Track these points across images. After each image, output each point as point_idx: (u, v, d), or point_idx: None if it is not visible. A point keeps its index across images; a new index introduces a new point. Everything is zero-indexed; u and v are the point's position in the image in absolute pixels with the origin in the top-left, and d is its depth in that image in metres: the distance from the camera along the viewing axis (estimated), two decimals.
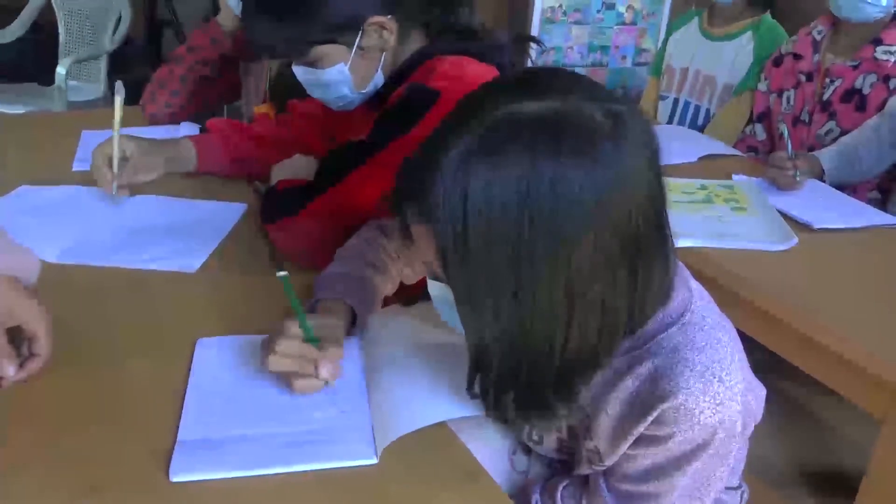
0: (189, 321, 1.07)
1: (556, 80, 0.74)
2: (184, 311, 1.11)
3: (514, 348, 0.74)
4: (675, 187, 1.65)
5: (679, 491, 0.84)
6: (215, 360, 0.98)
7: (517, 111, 0.69)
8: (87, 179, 1.47)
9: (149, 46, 4.70)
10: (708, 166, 1.84)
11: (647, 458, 0.84)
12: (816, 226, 1.52)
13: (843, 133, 2.02)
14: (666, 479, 0.84)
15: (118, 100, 1.36)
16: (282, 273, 0.93)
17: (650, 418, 0.79)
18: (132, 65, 4.44)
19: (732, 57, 2.36)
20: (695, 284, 0.87)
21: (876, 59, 1.99)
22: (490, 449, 1.09)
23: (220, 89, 1.95)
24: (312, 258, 1.21)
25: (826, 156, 1.88)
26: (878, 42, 2.00)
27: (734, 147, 2.19)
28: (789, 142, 1.72)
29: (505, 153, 0.68)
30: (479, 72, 1.21)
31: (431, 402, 0.87)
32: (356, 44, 1.21)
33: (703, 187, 1.68)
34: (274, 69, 1.94)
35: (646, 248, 0.73)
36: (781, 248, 1.43)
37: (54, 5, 3.57)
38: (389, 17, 1.21)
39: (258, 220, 1.35)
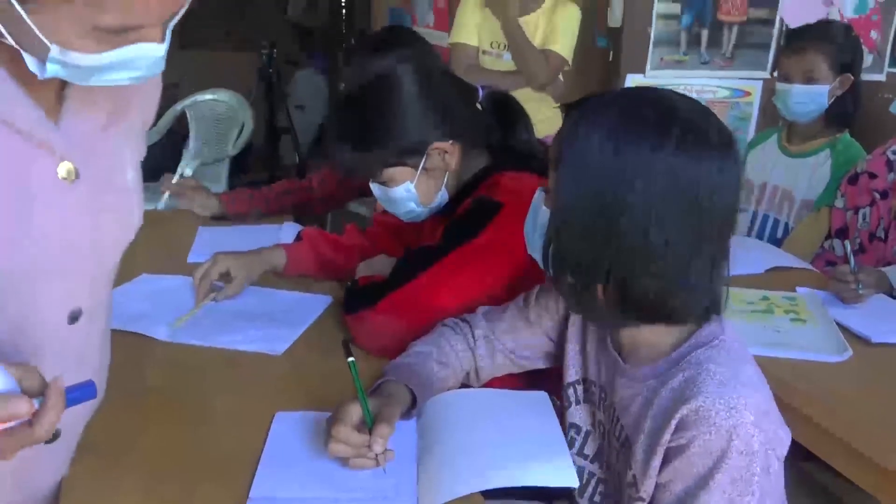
0: (271, 397, 1.22)
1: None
2: (267, 388, 1.26)
3: (584, 245, 0.95)
4: (736, 297, 1.72)
5: None
6: (290, 432, 1.12)
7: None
8: None
9: (267, 151, 5.12)
10: (774, 278, 1.89)
11: (677, 482, 0.93)
12: (875, 340, 1.55)
13: None
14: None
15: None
16: (350, 359, 1.08)
17: (674, 423, 0.92)
18: (251, 168, 4.85)
19: (810, 173, 2.41)
20: (731, 326, 1.00)
21: None
22: None
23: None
24: (385, 349, 1.35)
25: None
26: None
27: (813, 262, 2.22)
28: (851, 256, 1.76)
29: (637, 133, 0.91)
30: (537, 185, 1.35)
31: (474, 473, 0.98)
32: (421, 166, 1.37)
33: (766, 298, 1.73)
34: None
35: (710, 245, 0.93)
36: (835, 360, 1.46)
37: (188, 114, 4.00)
38: (451, 142, 1.37)
39: (341, 312, 1.51)
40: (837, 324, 1.60)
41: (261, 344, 1.38)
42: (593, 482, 1.13)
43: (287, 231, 1.92)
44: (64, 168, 0.80)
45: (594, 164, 0.92)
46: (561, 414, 1.17)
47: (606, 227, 0.91)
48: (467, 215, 1.36)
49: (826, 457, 1.34)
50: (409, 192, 1.39)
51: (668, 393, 0.95)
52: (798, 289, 1.79)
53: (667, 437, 0.93)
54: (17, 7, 0.66)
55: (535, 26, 2.79)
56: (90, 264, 0.88)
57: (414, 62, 1.38)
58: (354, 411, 1.03)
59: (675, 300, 0.94)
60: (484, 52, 2.89)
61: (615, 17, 2.98)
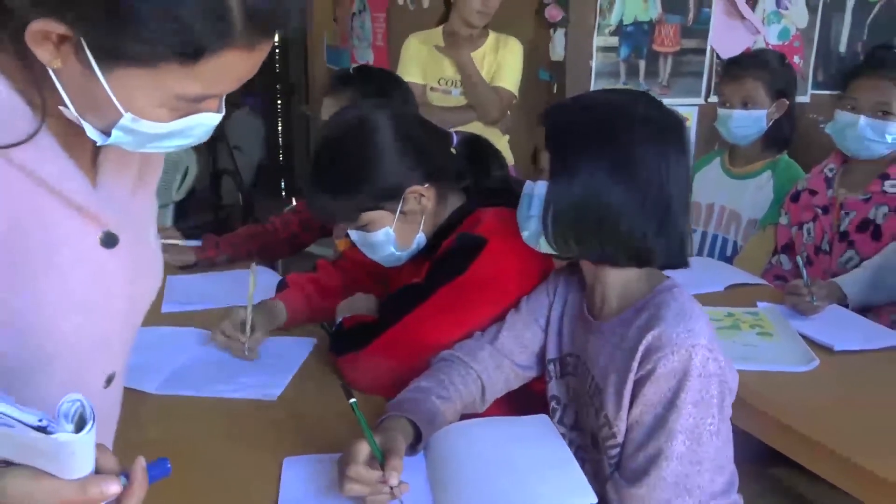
0: (273, 442, 1.23)
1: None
2: (268, 434, 1.27)
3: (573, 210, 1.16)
4: None
5: (678, 441, 1.06)
6: (301, 477, 1.12)
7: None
8: (176, 321, 1.68)
9: (209, 193, 5.08)
10: (734, 295, 1.98)
11: (647, 413, 1.08)
12: (837, 348, 1.64)
13: (863, 260, 2.15)
14: (665, 426, 1.07)
15: (254, 277, 1.55)
16: (352, 400, 1.09)
17: (640, 351, 1.08)
18: (195, 211, 4.79)
19: (754, 193, 2.53)
20: (688, 294, 1.19)
21: (885, 192, 2.15)
22: None
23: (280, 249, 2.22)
24: (377, 388, 1.37)
25: (849, 280, 1.99)
26: (885, 177, 2.16)
27: (763, 277, 2.32)
28: (804, 270, 1.86)
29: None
30: (517, 220, 1.40)
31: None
32: (398, 209, 1.39)
33: (730, 314, 1.81)
34: None
35: (668, 210, 1.14)
36: (804, 369, 1.54)
37: None
38: (427, 185, 1.40)
39: (326, 353, 1.52)
40: (800, 335, 1.69)
41: (254, 391, 1.39)
42: (573, 449, 1.23)
43: (265, 276, 1.92)
44: (104, 234, 0.80)
45: (573, 159, 1.15)
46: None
47: (587, 205, 1.14)
48: (452, 252, 1.39)
49: (807, 462, 1.40)
50: (388, 236, 1.41)
51: (633, 332, 1.13)
52: (759, 304, 1.88)
53: (634, 366, 1.09)
54: (98, 74, 0.67)
55: (480, 63, 2.87)
56: (127, 328, 0.88)
57: (388, 109, 1.42)
58: (363, 449, 1.05)
59: (647, 243, 1.14)
60: (432, 88, 2.95)
61: (557, 51, 3.08)
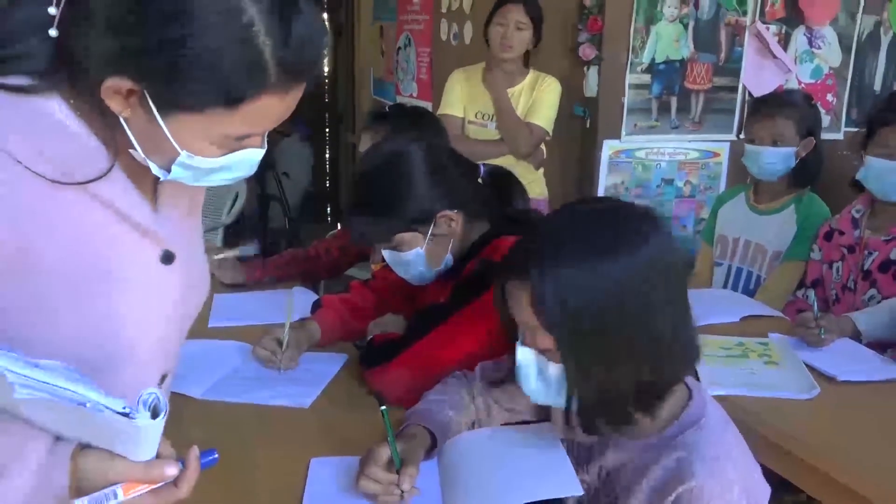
0: (303, 446, 1.36)
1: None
2: (299, 439, 1.40)
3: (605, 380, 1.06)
4: (713, 344, 1.88)
5: None
6: (326, 476, 1.25)
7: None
8: (221, 334, 1.83)
9: (257, 217, 5.28)
10: (748, 326, 2.05)
11: None
12: (840, 378, 1.71)
13: (885, 299, 2.20)
14: None
15: (291, 300, 1.69)
16: (382, 407, 1.22)
17: (670, 499, 1.05)
18: (243, 235, 4.99)
19: (778, 229, 2.59)
20: (710, 400, 1.15)
21: None
22: None
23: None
24: (401, 398, 1.49)
25: (864, 317, 2.05)
26: None
27: (785, 309, 2.39)
28: (815, 304, 1.94)
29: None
30: None
31: (494, 500, 1.13)
32: (429, 232, 1.53)
33: (741, 344, 1.89)
34: None
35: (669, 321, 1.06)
36: (804, 397, 1.62)
37: None
38: (456, 211, 1.54)
39: (357, 368, 1.65)
40: (806, 365, 1.77)
41: (289, 399, 1.52)
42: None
43: (298, 295, 2.07)
44: (164, 252, 0.94)
45: (582, 309, 1.03)
46: None
47: (620, 345, 1.04)
48: (472, 277, 1.52)
49: (804, 486, 1.48)
50: (418, 256, 1.55)
51: (662, 471, 1.08)
52: (770, 334, 1.96)
53: None
54: (159, 120, 0.81)
55: (517, 99, 2.99)
56: (179, 334, 1.02)
57: (424, 142, 1.56)
58: (384, 453, 1.18)
59: (674, 362, 1.09)
60: (470, 122, 3.08)
61: (591, 87, 3.20)
